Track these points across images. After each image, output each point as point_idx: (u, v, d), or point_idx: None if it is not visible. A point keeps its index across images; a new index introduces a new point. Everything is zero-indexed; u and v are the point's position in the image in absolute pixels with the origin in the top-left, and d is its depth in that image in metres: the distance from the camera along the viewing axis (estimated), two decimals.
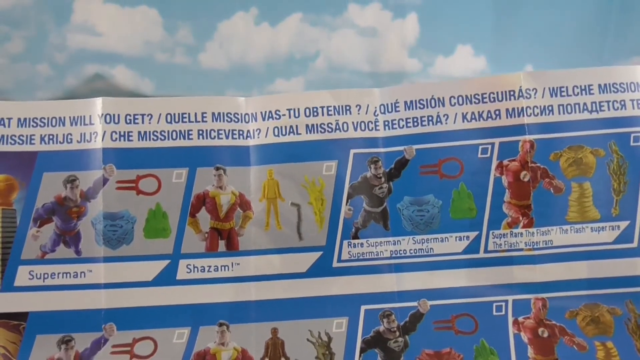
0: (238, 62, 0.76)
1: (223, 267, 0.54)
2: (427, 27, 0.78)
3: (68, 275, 0.53)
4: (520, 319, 0.54)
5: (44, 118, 0.55)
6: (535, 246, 0.54)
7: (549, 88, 0.55)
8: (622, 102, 0.55)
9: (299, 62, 0.77)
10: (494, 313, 0.54)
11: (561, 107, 0.55)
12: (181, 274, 0.54)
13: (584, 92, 0.55)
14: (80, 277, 0.53)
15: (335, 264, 0.54)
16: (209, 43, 0.76)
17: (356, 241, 0.55)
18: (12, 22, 0.73)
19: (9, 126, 0.55)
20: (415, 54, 0.78)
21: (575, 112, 0.55)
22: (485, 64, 0.79)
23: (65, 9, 0.74)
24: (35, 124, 0.55)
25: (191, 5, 0.76)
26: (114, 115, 0.55)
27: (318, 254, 0.54)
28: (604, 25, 0.79)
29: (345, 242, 0.55)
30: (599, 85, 0.55)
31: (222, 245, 0.54)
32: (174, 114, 0.55)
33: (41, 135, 0.55)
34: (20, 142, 0.54)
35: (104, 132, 0.54)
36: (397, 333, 0.54)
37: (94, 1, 0.75)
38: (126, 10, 0.75)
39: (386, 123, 0.56)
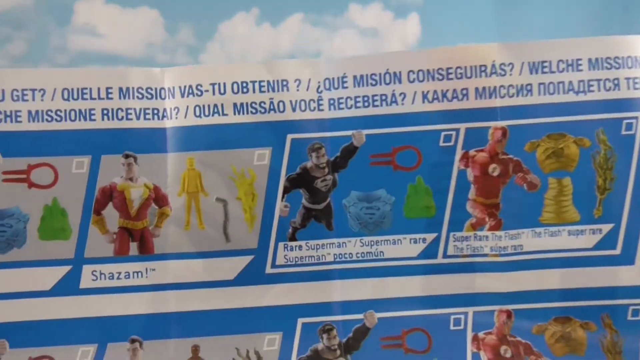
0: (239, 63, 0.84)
1: (135, 274, 0.51)
2: (429, 27, 0.80)
3: None
4: (481, 334, 0.52)
5: None
6: (502, 252, 0.51)
7: (528, 63, 0.51)
8: (616, 81, 0.50)
9: None
10: (451, 327, 0.52)
11: (542, 87, 0.51)
12: (85, 281, 0.51)
13: (570, 67, 0.51)
14: None
15: (268, 270, 0.52)
16: (210, 44, 0.78)
17: (294, 243, 0.52)
18: (13, 23, 0.75)
19: None
20: None
21: (558, 92, 0.51)
22: None
23: (67, 10, 0.76)
24: None
25: (192, 6, 0.78)
26: None
27: (248, 259, 0.52)
28: (607, 25, 0.80)
29: (280, 245, 0.52)
30: (589, 60, 0.51)
31: (133, 247, 0.52)
32: (72, 89, 0.51)
33: None
34: None
35: None
36: (338, 352, 0.52)
37: (95, 2, 0.77)
38: (127, 11, 0.77)
39: (331, 102, 0.52)
